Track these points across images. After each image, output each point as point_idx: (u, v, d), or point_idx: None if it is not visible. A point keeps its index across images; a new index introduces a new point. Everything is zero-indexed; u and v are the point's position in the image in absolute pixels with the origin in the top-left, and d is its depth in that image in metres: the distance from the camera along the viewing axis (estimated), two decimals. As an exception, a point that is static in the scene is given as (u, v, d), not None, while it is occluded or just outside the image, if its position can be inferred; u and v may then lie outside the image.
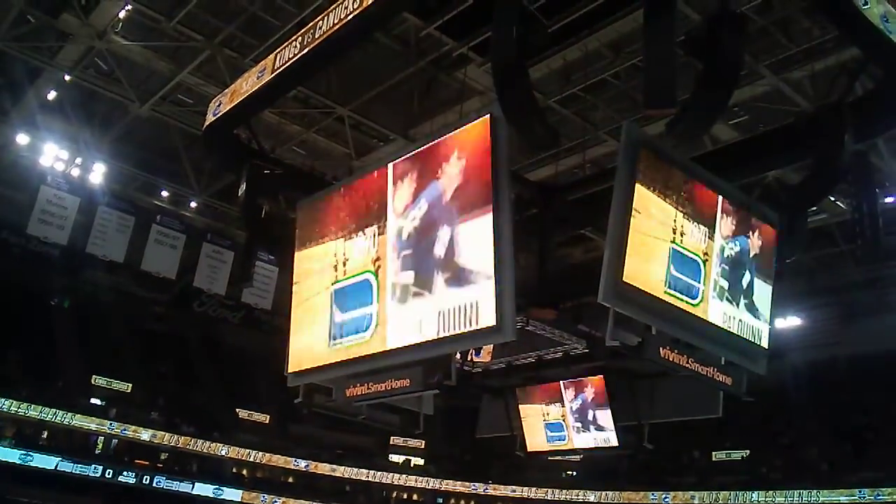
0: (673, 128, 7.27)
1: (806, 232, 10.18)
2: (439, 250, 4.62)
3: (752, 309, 5.84)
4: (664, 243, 5.43)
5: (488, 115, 7.35)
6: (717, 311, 5.76)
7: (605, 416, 12.44)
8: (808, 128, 9.66)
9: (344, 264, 6.34)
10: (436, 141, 4.77)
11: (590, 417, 13.18)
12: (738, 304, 5.86)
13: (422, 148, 5.04)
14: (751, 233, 6.00)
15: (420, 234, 4.84)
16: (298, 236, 8.88)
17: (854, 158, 8.96)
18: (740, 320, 5.89)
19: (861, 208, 9.47)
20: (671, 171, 5.84)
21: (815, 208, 17.49)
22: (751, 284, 5.87)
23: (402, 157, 5.07)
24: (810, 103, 17.31)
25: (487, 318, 4.46)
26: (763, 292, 5.86)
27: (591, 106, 19.32)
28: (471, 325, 4.57)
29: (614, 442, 13.01)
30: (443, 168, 4.46)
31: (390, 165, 5.22)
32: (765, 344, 7.44)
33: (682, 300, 5.48)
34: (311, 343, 7.18)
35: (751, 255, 6.15)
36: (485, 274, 4.38)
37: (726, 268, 5.93)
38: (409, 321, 4.94)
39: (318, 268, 6.54)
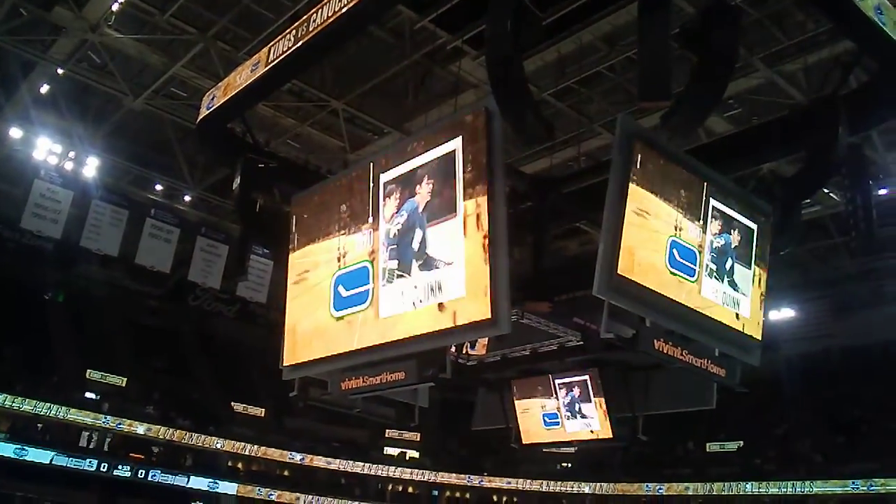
0: (667, 120, 7.28)
1: (800, 224, 10.22)
2: (415, 245, 6.54)
3: (733, 284, 7.79)
4: (668, 237, 7.17)
5: (483, 110, 7.43)
6: (709, 286, 7.57)
7: (588, 408, 13.16)
8: (802, 120, 9.68)
9: (344, 256, 7.95)
10: (412, 166, 6.71)
11: (576, 409, 13.51)
12: (722, 281, 7.70)
13: (407, 152, 6.87)
14: (732, 231, 7.83)
15: (402, 233, 6.75)
16: (302, 230, 9.37)
17: (848, 151, 8.99)
18: (724, 293, 7.75)
19: (855, 200, 9.50)
20: (675, 181, 7.31)
21: (809, 200, 17.56)
22: (732, 267, 7.79)
23: (390, 176, 7.04)
24: (804, 96, 17.36)
25: (448, 291, 6.22)
26: (741, 273, 7.83)
27: (586, 99, 19.33)
28: (435, 296, 6.35)
29: (596, 427, 13.30)
30: (417, 189, 6.53)
31: (382, 180, 7.11)
32: (744, 311, 8.24)
33: (683, 278, 7.28)
34: (316, 320, 8.47)
35: (732, 247, 7.86)
36: (445, 261, 6.20)
37: (715, 255, 7.66)
38: (394, 294, 6.87)
39: (324, 259, 8.16)
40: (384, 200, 6.95)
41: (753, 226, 8.11)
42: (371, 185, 7.05)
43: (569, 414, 13.73)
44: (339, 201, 8.24)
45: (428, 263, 6.43)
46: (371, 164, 7.70)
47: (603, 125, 19.62)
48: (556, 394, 13.85)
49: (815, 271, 28.46)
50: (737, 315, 8.13)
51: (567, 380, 13.59)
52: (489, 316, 6.37)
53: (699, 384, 10.57)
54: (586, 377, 13.30)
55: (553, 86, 18.73)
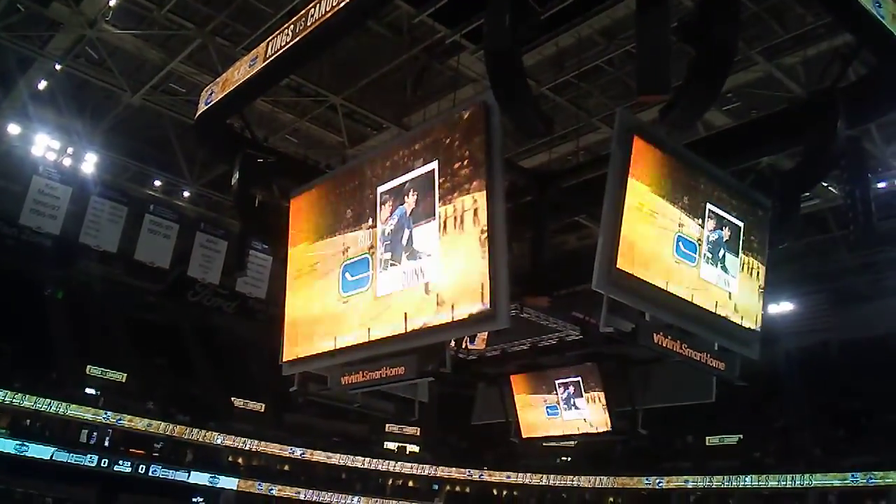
0: (666, 114, 7.28)
1: (799, 218, 10.22)
2: (404, 241, 8.00)
3: (724, 269, 8.77)
4: (674, 233, 8.22)
5: (481, 104, 7.44)
6: (706, 270, 8.54)
7: (581, 402, 13.58)
8: (801, 114, 9.69)
9: (348, 250, 9.18)
10: (402, 181, 8.20)
11: (573, 404, 13.80)
12: (717, 266, 8.68)
13: (399, 168, 8.35)
14: (724, 227, 8.74)
15: (394, 232, 8.17)
16: (309, 228, 9.96)
17: (847, 144, 9.00)
18: (718, 275, 8.67)
19: (854, 194, 9.50)
20: (680, 189, 8.30)
21: (807, 194, 17.55)
22: (724, 255, 8.76)
23: (385, 188, 8.50)
24: (803, 89, 17.34)
25: (428, 275, 7.69)
26: (731, 259, 8.84)
27: (585, 93, 19.29)
28: (419, 279, 7.81)
29: (594, 421, 13.49)
30: (405, 198, 8.03)
31: (379, 191, 8.59)
32: (734, 289, 8.87)
33: (686, 264, 8.32)
34: (325, 304, 9.48)
35: (724, 240, 8.76)
36: (426, 253, 7.70)
37: (710, 246, 8.62)
38: (388, 278, 8.22)
39: (331, 252, 9.45)
40: (380, 207, 8.40)
41: (740, 223, 8.96)
42: (370, 194, 8.55)
43: (567, 408, 13.80)
44: (345, 206, 9.39)
45: (413, 255, 7.89)
46: (371, 177, 8.86)
47: (602, 119, 19.59)
48: (556, 389, 13.90)
49: (814, 265, 28.44)
50: (729, 294, 8.83)
51: (564, 378, 13.69)
52: (464, 294, 7.29)
53: (698, 378, 10.62)
54: (578, 378, 13.42)
55: (552, 80, 18.70)
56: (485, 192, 7.24)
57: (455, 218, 7.43)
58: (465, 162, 7.41)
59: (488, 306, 7.09)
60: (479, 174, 7.26)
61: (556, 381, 13.80)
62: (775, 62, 17.42)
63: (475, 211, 7.22)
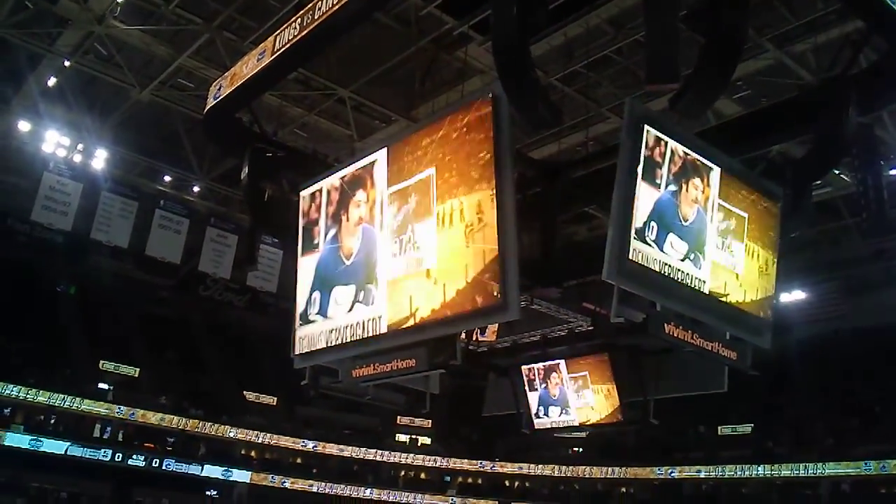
0: (676, 103, 7.24)
1: (811, 206, 10.17)
2: (408, 235, 8.73)
3: (731, 253, 9.01)
4: (683, 222, 8.48)
5: (490, 96, 7.44)
6: (716, 255, 8.84)
7: (590, 393, 13.66)
8: (811, 101, 9.65)
9: (355, 242, 9.71)
10: (406, 185, 8.93)
11: (581, 392, 13.84)
12: (724, 251, 8.95)
13: (404, 173, 9.03)
14: (731, 219, 8.99)
15: (399, 227, 8.80)
16: (330, 223, 10.16)
17: (859, 131, 8.94)
18: (726, 258, 8.96)
19: (866, 181, 9.48)
20: (688, 174, 8.56)
21: (819, 182, 17.44)
22: (731, 242, 9.02)
23: (392, 190, 9.15)
24: (814, 76, 17.22)
25: (427, 262, 8.44)
26: (737, 246, 9.12)
27: (594, 83, 19.21)
28: (420, 267, 8.50)
29: (605, 412, 13.55)
30: (409, 199, 8.76)
31: (387, 193, 9.23)
32: (740, 270, 9.13)
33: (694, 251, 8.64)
34: (334, 294, 9.97)
35: (731, 229, 8.98)
36: (425, 245, 8.42)
37: (720, 234, 8.91)
38: (396, 265, 8.85)
39: (338, 245, 9.98)
40: (389, 206, 9.08)
41: (745, 215, 9.20)
42: (380, 196, 9.29)
43: (577, 398, 13.79)
44: (359, 205, 9.84)
45: (416, 246, 8.62)
46: (380, 178, 9.38)
47: (611, 109, 19.52)
48: (565, 380, 13.89)
49: (826, 253, 28.30)
50: (737, 275, 9.08)
51: (575, 369, 13.68)
52: (454, 276, 7.88)
53: (710, 367, 10.58)
54: (588, 369, 13.42)
55: (560, 70, 18.62)
56: (469, 196, 7.78)
57: (449, 215, 8.23)
58: (454, 171, 8.14)
59: (471, 284, 7.64)
60: (464, 181, 7.92)
61: (567, 373, 13.80)
62: (785, 49, 17.30)
63: (461, 210, 7.90)
